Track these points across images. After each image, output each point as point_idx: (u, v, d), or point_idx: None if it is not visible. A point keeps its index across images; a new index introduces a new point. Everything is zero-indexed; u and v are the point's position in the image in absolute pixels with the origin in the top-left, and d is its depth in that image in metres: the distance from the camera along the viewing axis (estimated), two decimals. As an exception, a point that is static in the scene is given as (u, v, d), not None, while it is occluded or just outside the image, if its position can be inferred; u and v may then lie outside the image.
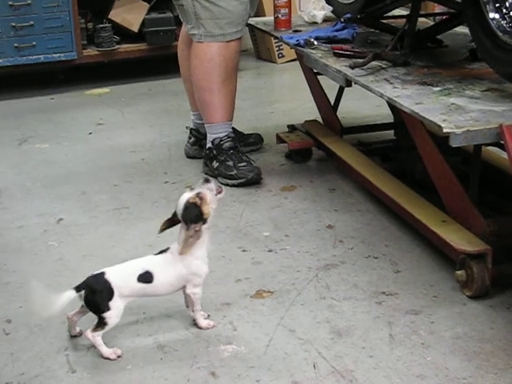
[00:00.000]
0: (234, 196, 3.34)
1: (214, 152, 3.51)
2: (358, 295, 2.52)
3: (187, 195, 2.28)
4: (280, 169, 3.64)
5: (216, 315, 2.44)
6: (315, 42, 3.25)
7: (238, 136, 3.66)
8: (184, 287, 2.34)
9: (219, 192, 2.37)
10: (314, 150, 3.70)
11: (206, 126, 3.56)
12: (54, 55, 4.96)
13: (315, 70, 3.54)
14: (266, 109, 4.57)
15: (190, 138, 3.81)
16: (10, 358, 2.25)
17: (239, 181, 3.43)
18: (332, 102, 3.74)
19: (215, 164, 3.51)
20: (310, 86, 3.83)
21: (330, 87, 3.74)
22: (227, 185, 3.44)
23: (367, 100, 4.37)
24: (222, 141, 3.51)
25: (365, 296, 2.51)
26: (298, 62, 3.88)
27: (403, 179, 3.12)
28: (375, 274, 2.65)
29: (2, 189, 3.49)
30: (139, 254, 2.81)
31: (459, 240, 2.54)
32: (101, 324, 2.23)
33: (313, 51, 3.20)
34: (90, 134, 4.25)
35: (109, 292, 2.22)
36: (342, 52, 3.11)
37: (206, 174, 3.57)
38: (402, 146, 3.49)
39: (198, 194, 2.29)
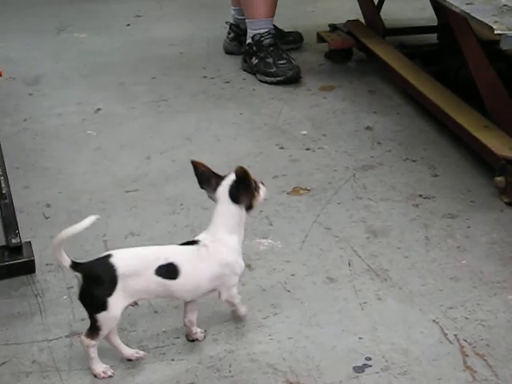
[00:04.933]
0: (272, 93, 3.32)
1: (254, 48, 3.47)
2: (394, 197, 2.52)
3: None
4: (319, 68, 3.60)
5: (252, 210, 2.45)
6: None
7: (278, 33, 3.60)
8: (213, 291, 1.83)
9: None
10: (355, 51, 3.64)
11: (247, 21, 3.51)
12: None
13: (361, -32, 3.45)
14: (307, 7, 4.48)
15: (229, 33, 3.76)
16: (50, 240, 2.26)
17: (278, 78, 3.40)
18: (376, 3, 3.66)
19: (254, 60, 3.47)
20: (354, -15, 3.75)
21: (373, -13, 3.66)
22: (266, 82, 3.41)
23: (410, 2, 4.28)
24: (262, 37, 3.46)
25: (402, 198, 2.51)
26: (342, -40, 3.79)
27: (445, 83, 3.07)
28: (413, 176, 2.64)
29: (41, 76, 3.49)
30: (176, 146, 2.84)
31: (501, 146, 2.51)
32: (93, 329, 1.73)
33: None
34: (128, 25, 4.21)
35: (111, 282, 1.70)
36: (391, -51, 3.02)
37: (244, 70, 3.54)
38: (446, 49, 3.42)
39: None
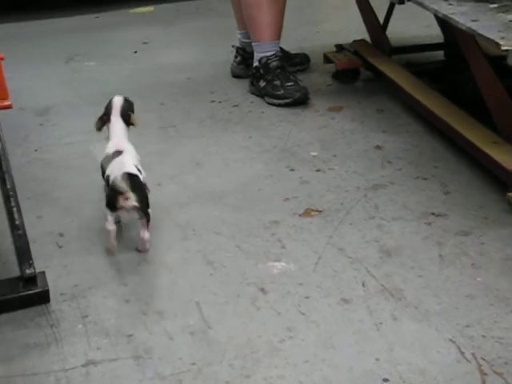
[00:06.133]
0: (280, 116, 3.32)
1: (261, 71, 3.48)
2: (406, 215, 2.51)
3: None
4: (327, 89, 3.61)
5: (264, 233, 2.45)
6: (366, -41, 3.17)
7: (284, 55, 3.62)
8: None
9: None
10: (362, 71, 3.65)
11: (253, 44, 3.52)
12: (98, -28, 4.93)
13: (365, -12, 3.47)
14: (313, 29, 4.50)
15: (236, 57, 3.77)
16: (64, 270, 2.30)
17: (286, 100, 3.41)
18: (381, 22, 3.67)
19: (262, 83, 3.48)
20: (359, 5, 3.76)
21: (376, 7, 3.66)
22: (274, 104, 3.42)
23: (415, 20, 4.28)
24: (269, 60, 3.47)
25: (414, 216, 2.50)
26: (345, -19, 3.81)
27: (453, 100, 3.06)
28: (424, 194, 2.64)
29: (50, 106, 3.51)
30: (186, 171, 2.86)
31: (511, 161, 2.51)
32: (149, 220, 2.33)
33: (364, -32, 3.12)
34: (136, 52, 4.24)
35: (143, 187, 2.34)
36: (395, -32, 3.03)
37: (252, 93, 3.55)
38: (453, 66, 3.43)
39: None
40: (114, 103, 2.52)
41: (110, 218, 2.32)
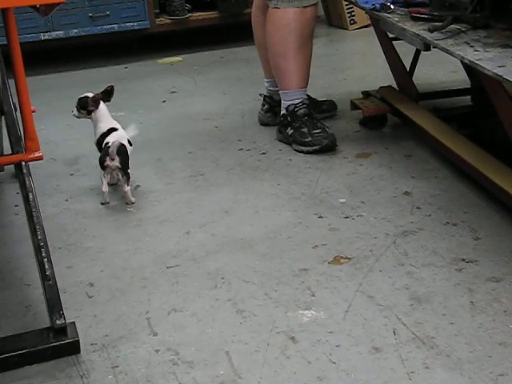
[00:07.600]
0: (308, 163, 3.33)
1: (289, 119, 3.50)
2: (437, 262, 2.49)
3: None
4: (355, 135, 3.61)
5: (294, 281, 2.44)
6: (392, 6, 3.19)
7: (312, 103, 3.64)
8: None
9: None
10: (389, 117, 3.66)
11: (280, 92, 3.55)
12: (127, 24, 5.00)
13: (390, 35, 3.49)
14: (339, 76, 4.53)
15: (263, 105, 3.80)
16: (94, 320, 2.30)
17: (314, 148, 3.42)
18: (407, 68, 3.68)
19: (290, 131, 3.50)
20: (385, 52, 3.78)
21: (402, 53, 3.68)
22: (302, 152, 3.43)
23: (442, 66, 4.29)
24: (296, 107, 3.49)
25: (444, 263, 2.49)
26: (369, 29, 3.84)
27: (481, 145, 3.06)
28: (454, 240, 2.62)
29: (79, 156, 3.55)
30: (215, 219, 2.87)
31: (542, 206, 2.49)
32: (128, 179, 3.00)
33: (389, 15, 3.14)
34: (164, 102, 4.28)
35: (127, 154, 3.03)
36: (420, 15, 3.04)
37: (280, 140, 3.56)
38: (480, 111, 3.43)
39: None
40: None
41: (104, 180, 3.01)
